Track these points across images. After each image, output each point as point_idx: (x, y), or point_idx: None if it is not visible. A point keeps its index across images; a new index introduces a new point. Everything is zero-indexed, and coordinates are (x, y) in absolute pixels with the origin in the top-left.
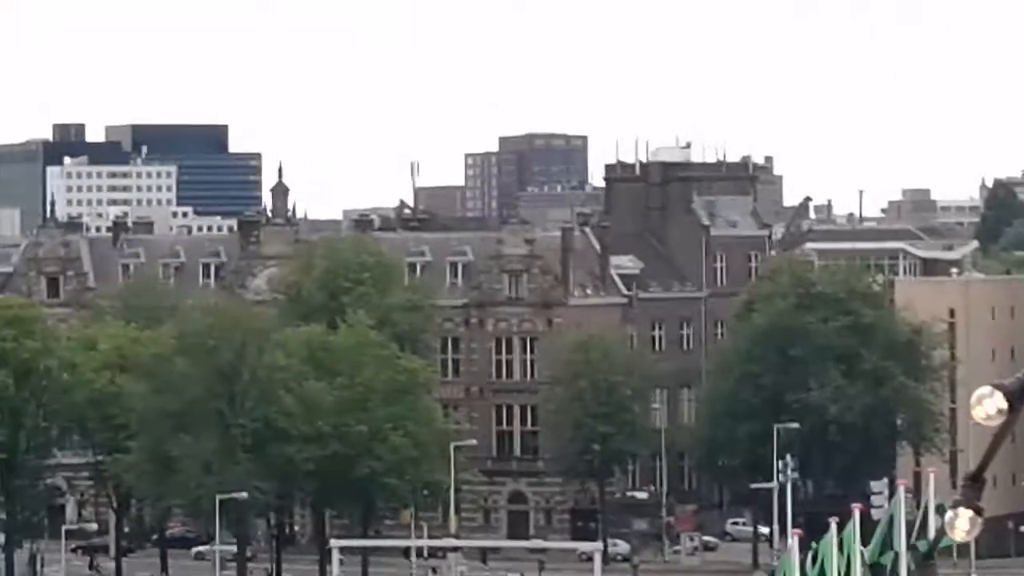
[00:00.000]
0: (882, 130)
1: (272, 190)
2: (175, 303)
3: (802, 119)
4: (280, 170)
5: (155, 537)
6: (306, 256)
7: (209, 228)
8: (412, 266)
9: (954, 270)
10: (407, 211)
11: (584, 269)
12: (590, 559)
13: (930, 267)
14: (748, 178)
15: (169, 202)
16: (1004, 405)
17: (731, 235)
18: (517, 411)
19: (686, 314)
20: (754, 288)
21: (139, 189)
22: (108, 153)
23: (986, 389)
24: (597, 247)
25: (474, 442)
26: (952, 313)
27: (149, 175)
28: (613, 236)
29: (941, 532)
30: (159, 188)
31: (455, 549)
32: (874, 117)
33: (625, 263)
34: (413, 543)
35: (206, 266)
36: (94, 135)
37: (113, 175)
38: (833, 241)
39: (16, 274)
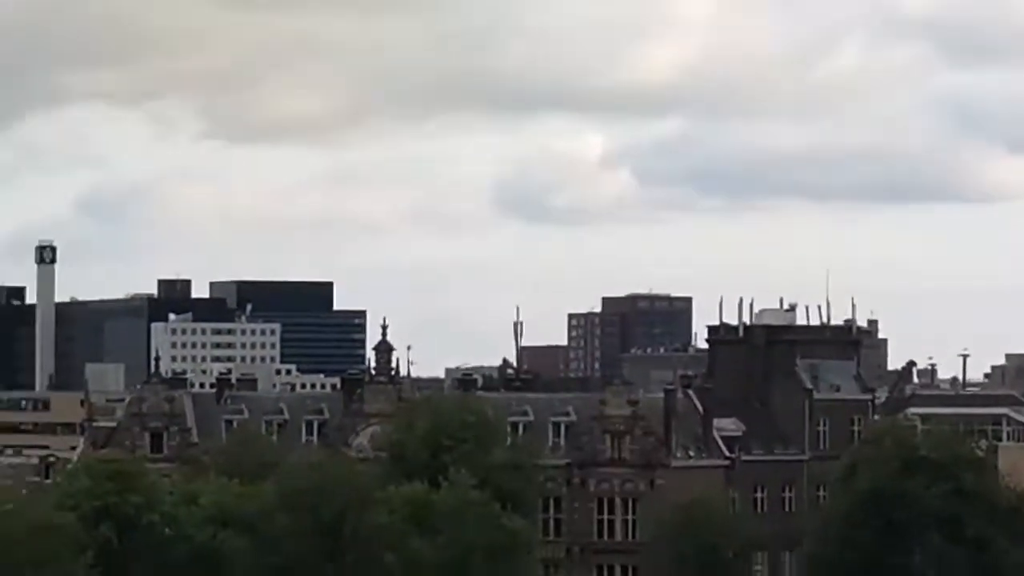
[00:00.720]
0: (986, 294)
1: (376, 348)
2: (278, 460)
3: (907, 283)
4: (384, 328)
5: None
6: (409, 415)
7: (312, 386)
8: (515, 425)
9: None
10: (510, 371)
11: (687, 431)
12: None
13: None
14: (852, 342)
15: (273, 359)
16: None
17: (834, 399)
18: (619, 571)
19: (788, 477)
20: (857, 452)
21: (243, 346)
22: (213, 310)
23: None
24: (700, 409)
25: None
26: None
27: (253, 332)
28: (716, 398)
29: None
30: (263, 346)
31: None
32: (978, 281)
33: (727, 425)
34: None
35: (309, 424)
36: (199, 291)
37: (217, 332)
38: (936, 406)
39: (120, 428)
